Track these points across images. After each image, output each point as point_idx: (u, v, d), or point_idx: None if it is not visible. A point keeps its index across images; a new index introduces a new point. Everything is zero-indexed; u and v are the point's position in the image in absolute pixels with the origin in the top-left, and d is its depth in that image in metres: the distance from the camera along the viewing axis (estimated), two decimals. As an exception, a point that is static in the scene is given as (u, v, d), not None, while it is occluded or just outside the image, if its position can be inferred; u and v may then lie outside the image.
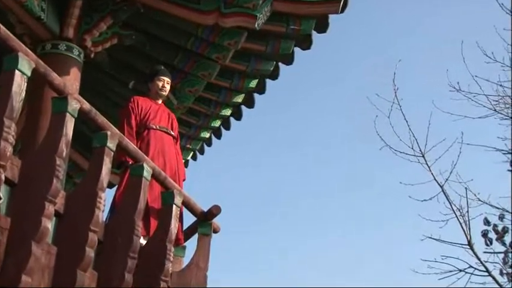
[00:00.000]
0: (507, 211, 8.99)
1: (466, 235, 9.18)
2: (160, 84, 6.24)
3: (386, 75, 15.71)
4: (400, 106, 9.80)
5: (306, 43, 7.54)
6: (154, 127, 5.97)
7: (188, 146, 8.77)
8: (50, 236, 3.89)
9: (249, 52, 7.58)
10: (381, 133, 9.75)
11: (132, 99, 6.08)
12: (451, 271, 9.03)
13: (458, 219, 9.24)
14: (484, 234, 9.09)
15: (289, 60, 7.78)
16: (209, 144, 9.02)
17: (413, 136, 9.68)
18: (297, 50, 7.67)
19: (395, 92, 9.86)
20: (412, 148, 9.66)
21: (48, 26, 6.39)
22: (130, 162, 5.18)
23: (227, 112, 8.34)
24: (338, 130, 20.63)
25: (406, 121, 9.76)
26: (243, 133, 19.74)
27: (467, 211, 9.22)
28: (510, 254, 8.91)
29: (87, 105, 4.22)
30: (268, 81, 8.10)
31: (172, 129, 6.14)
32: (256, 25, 6.62)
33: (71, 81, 6.26)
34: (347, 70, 21.41)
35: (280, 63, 7.90)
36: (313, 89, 20.84)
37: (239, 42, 7.13)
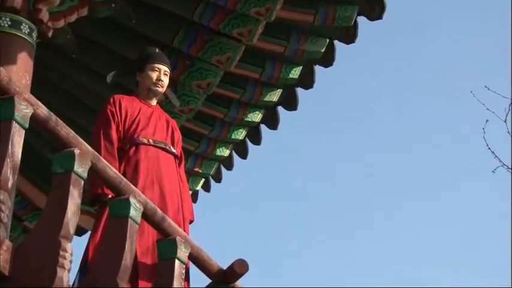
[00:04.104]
0: None
1: None
2: (154, 75, 6.25)
3: (499, 60, 15.61)
4: (522, 105, 9.73)
5: (374, 10, 7.52)
6: (146, 141, 5.98)
7: (197, 169, 8.77)
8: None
9: (287, 25, 7.57)
10: (494, 146, 9.66)
11: (111, 100, 6.09)
12: None
13: None
14: None
15: (349, 36, 7.76)
16: (229, 166, 9.01)
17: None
18: (361, 20, 7.66)
19: (513, 85, 9.80)
20: (543, 170, 9.57)
21: (-16, -9, 6.45)
22: (110, 196, 5.17)
23: (255, 117, 8.35)
24: (429, 140, 20.49)
25: (532, 128, 9.67)
26: (281, 148, 19.67)
27: None
28: None
29: (43, 110, 4.23)
30: (318, 69, 8.10)
31: (173, 145, 6.15)
32: (298, -17, 6.63)
33: (19, 73, 6.29)
34: (438, 50, 21.33)
35: (335, 41, 7.89)
36: (385, 78, 20.77)
37: (273, 10, 7.13)
